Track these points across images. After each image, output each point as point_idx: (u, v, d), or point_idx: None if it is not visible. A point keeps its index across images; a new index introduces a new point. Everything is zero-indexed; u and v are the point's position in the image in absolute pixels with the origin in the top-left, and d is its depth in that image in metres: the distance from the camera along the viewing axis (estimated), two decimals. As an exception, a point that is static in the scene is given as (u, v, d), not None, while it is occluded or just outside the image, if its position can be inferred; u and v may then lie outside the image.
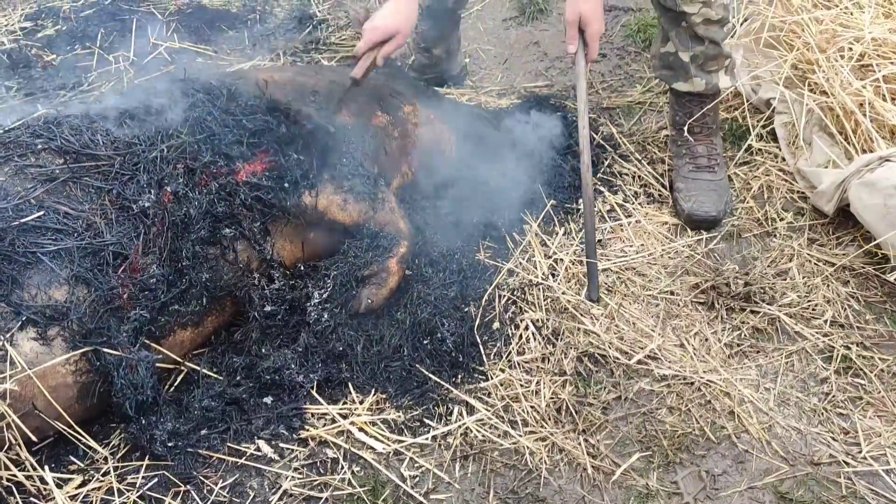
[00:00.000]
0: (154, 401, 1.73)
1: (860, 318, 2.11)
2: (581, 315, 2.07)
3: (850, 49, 2.41)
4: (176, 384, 1.88)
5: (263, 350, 1.90)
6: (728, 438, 1.83)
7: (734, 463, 1.79)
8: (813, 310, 2.12)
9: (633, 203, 2.44)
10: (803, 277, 2.20)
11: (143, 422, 1.74)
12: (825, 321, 2.09)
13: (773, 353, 2.03)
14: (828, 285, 2.18)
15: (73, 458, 1.75)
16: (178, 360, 1.86)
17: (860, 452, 1.81)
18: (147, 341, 1.76)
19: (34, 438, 1.67)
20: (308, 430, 1.82)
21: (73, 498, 1.68)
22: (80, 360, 1.68)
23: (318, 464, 1.77)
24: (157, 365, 1.78)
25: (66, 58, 3.08)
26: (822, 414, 1.89)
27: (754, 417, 1.87)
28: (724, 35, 2.27)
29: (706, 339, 2.06)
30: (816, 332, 2.07)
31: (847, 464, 1.78)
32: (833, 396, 1.93)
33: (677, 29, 2.27)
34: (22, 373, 1.59)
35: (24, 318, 1.62)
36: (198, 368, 1.88)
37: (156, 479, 1.71)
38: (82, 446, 1.74)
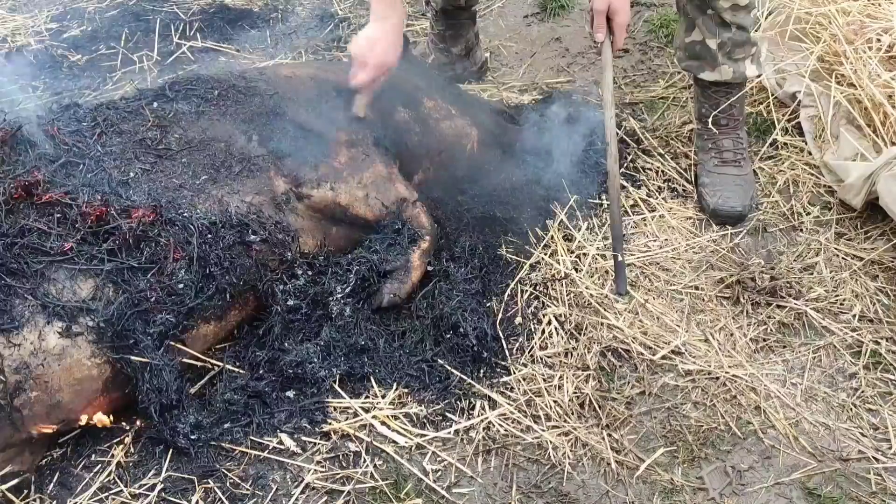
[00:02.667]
0: (178, 401, 1.74)
1: (889, 312, 2.07)
2: (604, 310, 2.05)
3: (879, 40, 2.38)
4: (202, 383, 1.88)
5: (286, 344, 1.90)
6: (754, 434, 1.81)
7: (761, 458, 1.77)
8: (841, 304, 2.09)
9: (657, 198, 2.42)
10: (830, 272, 2.17)
11: (167, 415, 1.75)
12: (853, 316, 2.06)
13: (799, 347, 2.00)
14: (856, 280, 2.15)
15: (98, 448, 1.77)
16: (203, 358, 1.86)
17: (890, 448, 1.77)
18: (171, 342, 1.77)
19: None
20: (330, 424, 1.82)
21: (102, 489, 1.69)
22: (104, 354, 1.69)
23: (341, 457, 1.77)
24: (183, 360, 1.79)
25: (91, 58, 3.11)
26: (851, 409, 1.86)
27: (781, 413, 1.85)
28: (752, 21, 2.24)
29: (731, 334, 2.03)
30: (844, 327, 2.03)
31: (877, 460, 1.75)
32: (862, 392, 1.90)
33: (704, 16, 2.24)
34: (48, 366, 1.61)
35: (50, 313, 1.63)
36: (220, 365, 1.88)
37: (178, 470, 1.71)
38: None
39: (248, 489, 1.70)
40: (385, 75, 2.11)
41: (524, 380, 1.91)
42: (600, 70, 2.15)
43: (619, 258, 2.09)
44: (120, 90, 2.94)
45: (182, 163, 1.87)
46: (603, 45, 2.10)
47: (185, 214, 1.77)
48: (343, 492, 1.70)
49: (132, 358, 1.67)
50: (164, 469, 1.72)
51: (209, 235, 1.78)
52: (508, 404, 1.86)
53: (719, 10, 2.20)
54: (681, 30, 2.37)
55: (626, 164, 2.51)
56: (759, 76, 2.43)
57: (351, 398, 1.87)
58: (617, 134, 2.57)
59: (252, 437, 1.79)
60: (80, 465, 1.74)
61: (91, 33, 3.25)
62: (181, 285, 1.73)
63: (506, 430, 1.82)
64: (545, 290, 2.12)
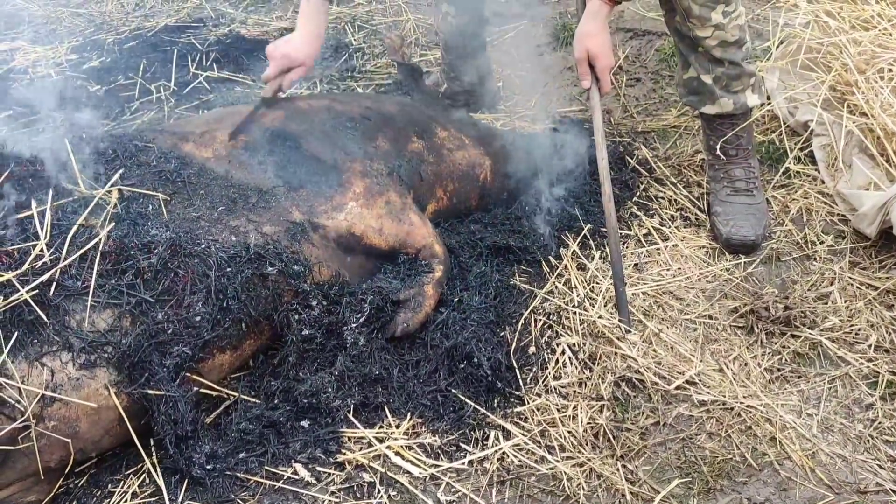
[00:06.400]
0: (193, 432, 1.75)
1: (905, 342, 2.06)
2: (618, 339, 2.05)
3: (891, 70, 2.39)
4: (217, 412, 1.89)
5: (301, 374, 1.91)
6: (770, 465, 1.80)
7: (777, 490, 1.76)
8: (856, 334, 2.08)
9: (670, 227, 2.43)
10: (845, 301, 2.16)
11: (182, 445, 1.76)
12: (869, 346, 2.05)
13: (815, 378, 1.99)
14: (871, 309, 2.14)
15: (114, 478, 1.78)
16: (218, 388, 1.87)
17: (908, 481, 1.76)
18: (187, 374, 1.78)
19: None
20: (345, 454, 1.82)
21: (114, 520, 1.70)
22: (121, 384, 1.70)
23: (355, 488, 1.77)
24: (198, 390, 1.81)
25: (110, 88, 3.17)
26: (868, 441, 1.85)
27: (797, 444, 1.84)
28: (744, 55, 2.25)
29: (746, 364, 2.03)
30: (860, 357, 2.02)
31: (895, 492, 1.74)
32: (879, 423, 1.88)
33: (696, 54, 2.26)
34: (66, 396, 1.62)
35: (69, 345, 1.65)
36: (236, 395, 1.89)
37: (193, 500, 1.72)
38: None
39: (262, 520, 1.71)
40: (297, 71, 2.22)
41: (538, 410, 1.91)
42: (590, 114, 2.20)
43: (622, 293, 2.08)
44: (138, 120, 2.99)
45: (200, 194, 1.90)
46: (590, 91, 2.14)
47: (202, 247, 1.79)
48: (357, 523, 1.70)
49: (148, 391, 1.68)
50: (180, 499, 1.72)
51: (228, 269, 1.79)
52: (522, 435, 1.86)
53: (708, 49, 2.22)
54: (678, 68, 2.40)
55: (638, 194, 2.52)
56: (762, 104, 2.44)
57: (365, 428, 1.87)
58: (627, 164, 2.59)
59: (267, 467, 1.79)
60: (97, 495, 1.75)
61: (110, 64, 3.31)
62: (198, 318, 1.74)
63: (520, 461, 1.82)
64: (559, 320, 2.12)
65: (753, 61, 2.35)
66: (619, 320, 2.08)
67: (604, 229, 2.38)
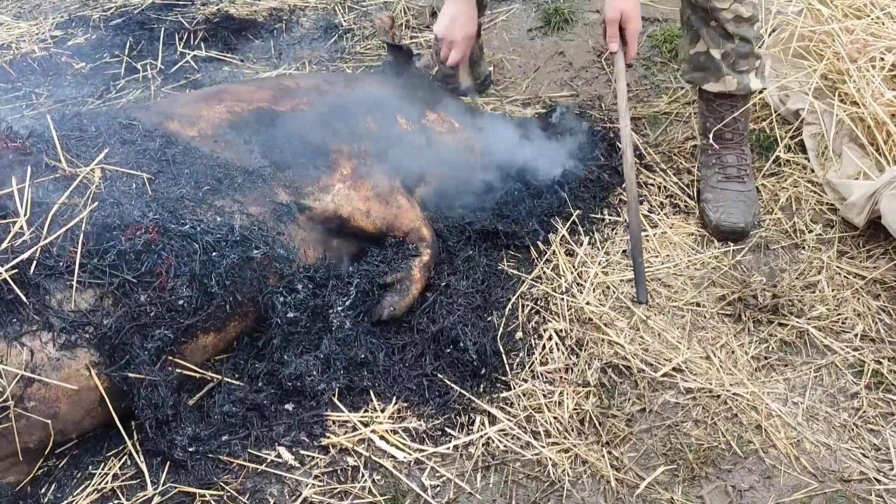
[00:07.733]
0: (175, 416, 1.73)
1: (891, 332, 2.06)
2: (605, 326, 2.05)
3: (882, 59, 2.38)
4: (200, 395, 1.87)
5: (285, 356, 1.89)
6: (755, 453, 1.80)
7: (761, 478, 1.76)
8: (843, 323, 2.08)
9: (659, 214, 2.42)
10: (833, 290, 2.16)
11: (163, 428, 1.74)
12: (855, 335, 2.05)
13: (801, 366, 1.99)
14: (858, 299, 2.14)
15: (95, 459, 1.76)
16: (201, 371, 1.85)
17: (892, 469, 1.76)
18: (169, 357, 1.76)
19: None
20: (329, 438, 1.81)
21: (99, 501, 1.68)
22: (101, 366, 1.68)
23: (339, 471, 1.76)
24: (181, 372, 1.79)
25: (95, 65, 3.12)
26: (853, 430, 1.85)
27: (782, 432, 1.84)
28: (755, 33, 2.25)
29: (733, 352, 2.02)
30: (846, 346, 2.03)
31: (878, 481, 1.74)
32: (864, 412, 1.89)
33: (707, 27, 2.26)
34: (46, 376, 1.60)
35: (49, 325, 1.62)
36: (219, 377, 1.87)
37: (175, 482, 1.71)
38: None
39: (245, 503, 1.69)
40: (470, 45, 2.34)
41: (524, 395, 1.90)
42: (614, 79, 2.16)
43: (640, 264, 2.05)
44: (123, 99, 2.94)
45: (185, 174, 1.87)
46: (616, 56, 2.11)
47: (187, 227, 1.76)
48: (341, 507, 1.70)
49: (129, 375, 1.66)
50: (162, 481, 1.71)
51: (213, 251, 1.77)
52: (508, 420, 1.85)
53: (722, 22, 2.21)
54: (685, 43, 2.38)
55: (628, 180, 2.51)
56: (763, 90, 2.43)
57: (350, 412, 1.86)
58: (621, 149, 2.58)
59: (250, 450, 1.78)
60: (78, 476, 1.74)
61: (96, 41, 3.26)
62: (181, 301, 1.72)
63: (505, 447, 1.81)
64: (546, 305, 2.11)
65: (760, 44, 2.34)
66: (637, 292, 2.05)
67: (593, 215, 2.37)
